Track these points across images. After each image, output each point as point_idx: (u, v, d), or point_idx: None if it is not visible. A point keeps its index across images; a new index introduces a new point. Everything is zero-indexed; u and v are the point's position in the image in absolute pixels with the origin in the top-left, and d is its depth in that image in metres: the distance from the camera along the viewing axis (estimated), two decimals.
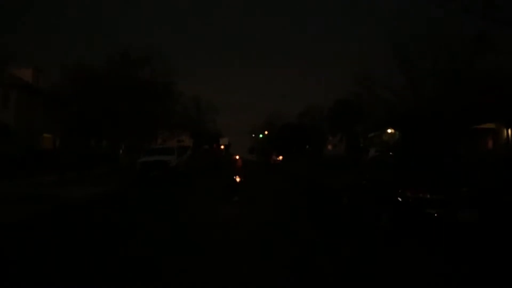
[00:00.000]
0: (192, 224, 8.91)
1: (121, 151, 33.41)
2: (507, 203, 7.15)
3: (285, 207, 11.68)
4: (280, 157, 44.12)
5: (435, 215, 6.94)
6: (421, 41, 19.40)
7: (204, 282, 5.01)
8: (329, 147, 60.21)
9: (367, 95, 22.59)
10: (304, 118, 60.31)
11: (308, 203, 12.65)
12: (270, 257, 6.18)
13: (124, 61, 27.47)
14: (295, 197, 14.39)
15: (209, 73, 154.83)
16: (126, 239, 7.49)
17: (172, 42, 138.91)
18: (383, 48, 28.30)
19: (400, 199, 7.50)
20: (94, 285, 5.01)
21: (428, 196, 7.17)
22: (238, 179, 13.90)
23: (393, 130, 31.87)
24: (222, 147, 73.57)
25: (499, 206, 7.09)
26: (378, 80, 21.88)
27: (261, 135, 78.27)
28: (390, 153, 10.83)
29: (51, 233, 8.32)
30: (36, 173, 20.55)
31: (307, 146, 57.77)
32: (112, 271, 5.51)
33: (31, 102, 26.58)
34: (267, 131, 74.34)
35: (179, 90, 34.59)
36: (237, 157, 20.42)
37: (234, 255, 6.21)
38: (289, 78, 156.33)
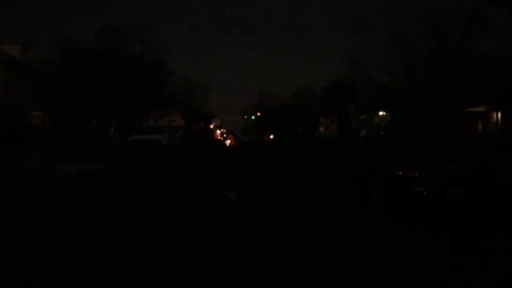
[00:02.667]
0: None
1: (111, 130, 33.17)
2: (492, 181, 7.31)
3: (279, 188, 11.52)
4: (271, 136, 44.02)
5: (423, 193, 7.05)
6: (415, 22, 19.37)
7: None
8: (321, 129, 60.35)
9: (360, 76, 22.61)
10: (297, 99, 60.21)
11: (301, 183, 12.52)
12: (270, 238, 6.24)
13: (114, 37, 27.01)
14: (289, 179, 14.12)
15: (201, 54, 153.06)
16: (110, 219, 7.39)
17: (162, 22, 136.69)
18: (376, 29, 28.22)
19: (389, 177, 7.58)
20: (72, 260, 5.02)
21: (417, 174, 7.26)
22: (235, 164, 8.99)
23: (384, 113, 32.03)
24: (211, 126, 68.82)
25: (486, 184, 7.23)
26: (371, 61, 21.89)
27: (253, 117, 78.02)
28: (381, 133, 10.94)
29: (40, 208, 8.31)
30: (27, 150, 20.36)
31: (299, 128, 57.84)
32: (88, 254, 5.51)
33: (20, 79, 26.08)
34: (259, 112, 74.11)
35: (170, 67, 34.23)
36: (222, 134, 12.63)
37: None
38: (282, 59, 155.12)
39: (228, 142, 9.12)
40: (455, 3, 17.95)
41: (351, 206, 8.45)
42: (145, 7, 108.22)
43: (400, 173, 7.38)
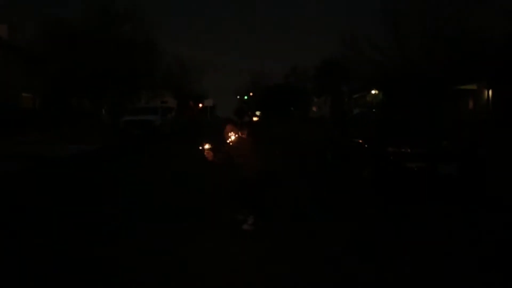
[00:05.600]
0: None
1: (103, 111, 32.88)
2: (483, 157, 7.43)
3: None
4: (255, 118, 41.41)
5: (415, 169, 7.14)
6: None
7: None
8: (314, 108, 60.38)
9: (354, 54, 22.46)
10: (290, 79, 59.94)
11: (294, 160, 12.54)
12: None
13: (104, 16, 26.44)
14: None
15: (194, 35, 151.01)
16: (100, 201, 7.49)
17: (154, 2, 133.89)
18: (370, 6, 27.93)
19: (382, 154, 7.66)
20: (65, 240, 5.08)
21: (409, 150, 7.35)
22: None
23: (377, 91, 32.09)
24: (200, 105, 62.74)
25: (477, 159, 7.34)
26: (365, 39, 21.73)
27: (246, 97, 77.59)
28: (373, 110, 11.00)
29: (35, 188, 8.31)
30: (17, 132, 20.18)
31: (292, 108, 57.77)
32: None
33: (8, 60, 25.64)
34: (252, 93, 73.71)
35: (162, 48, 33.77)
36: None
37: None
38: (275, 38, 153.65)
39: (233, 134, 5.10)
40: None
41: (345, 183, 8.54)
42: None
43: (392, 149, 7.45)
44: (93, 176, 9.77)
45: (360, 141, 8.79)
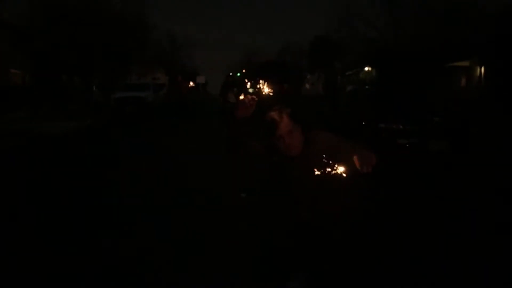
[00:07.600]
0: None
1: (94, 88, 32.47)
2: (473, 133, 7.53)
3: None
4: (242, 97, 40.30)
5: (407, 145, 7.22)
6: None
7: None
8: (307, 85, 60.07)
9: (348, 30, 22.29)
10: (283, 55, 59.36)
11: None
12: None
13: None
14: None
15: (186, 9, 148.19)
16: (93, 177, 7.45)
17: None
18: None
19: (373, 131, 7.71)
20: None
21: (401, 127, 7.41)
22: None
23: (370, 68, 31.96)
24: (191, 84, 60.86)
25: (467, 135, 7.44)
26: (358, 15, 21.55)
27: (238, 74, 76.88)
28: (366, 87, 11.00)
29: (26, 165, 8.27)
30: (7, 109, 19.92)
31: (285, 85, 57.39)
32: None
33: None
34: (245, 69, 73.01)
35: (153, 23, 33.14)
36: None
37: None
38: (268, 13, 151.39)
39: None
40: None
41: None
42: None
43: (384, 126, 7.51)
44: (84, 155, 9.74)
45: (353, 118, 8.83)
